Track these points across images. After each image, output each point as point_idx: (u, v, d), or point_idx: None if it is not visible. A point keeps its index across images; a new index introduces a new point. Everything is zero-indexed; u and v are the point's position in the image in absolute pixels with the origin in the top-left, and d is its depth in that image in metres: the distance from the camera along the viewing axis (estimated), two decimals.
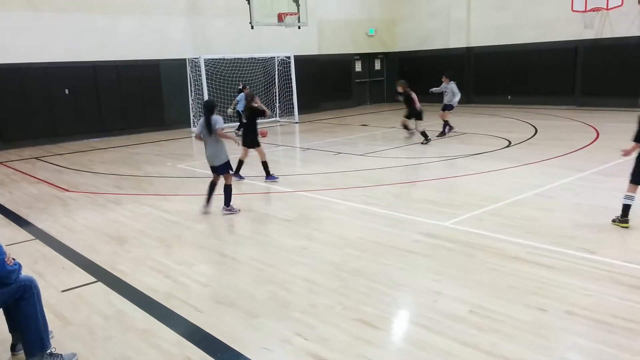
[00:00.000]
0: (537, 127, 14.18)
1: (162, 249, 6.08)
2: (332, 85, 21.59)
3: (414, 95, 12.53)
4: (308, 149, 12.86)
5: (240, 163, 9.20)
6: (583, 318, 4.02)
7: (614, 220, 6.20)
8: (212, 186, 7.37)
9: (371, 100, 23.45)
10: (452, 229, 6.27)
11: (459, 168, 9.61)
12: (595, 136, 12.36)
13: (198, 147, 14.37)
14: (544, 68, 18.39)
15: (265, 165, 9.13)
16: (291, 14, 16.47)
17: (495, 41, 19.96)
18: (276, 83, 18.87)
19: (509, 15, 19.43)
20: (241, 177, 9.27)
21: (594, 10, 16.36)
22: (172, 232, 6.69)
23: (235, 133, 15.34)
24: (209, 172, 7.55)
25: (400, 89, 12.82)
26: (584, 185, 8.08)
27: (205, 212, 7.36)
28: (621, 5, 15.80)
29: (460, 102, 20.93)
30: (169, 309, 4.51)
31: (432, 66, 21.84)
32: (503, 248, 5.55)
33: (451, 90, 13.48)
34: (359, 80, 23.09)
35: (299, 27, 16.85)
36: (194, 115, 17.09)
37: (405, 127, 13.31)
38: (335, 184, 8.80)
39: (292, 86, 18.10)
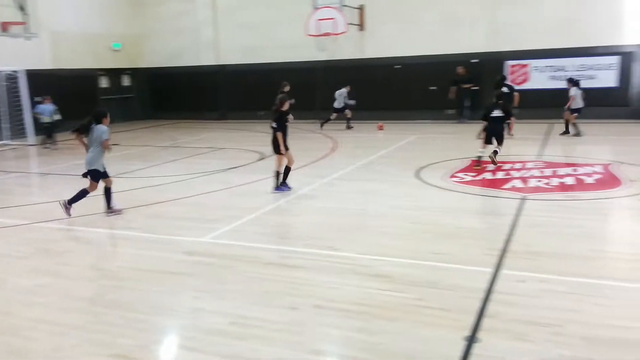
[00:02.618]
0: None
1: None
2: (74, 102, 19.68)
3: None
4: (47, 173, 11.49)
5: (285, 172, 8.78)
6: (330, 309, 4.45)
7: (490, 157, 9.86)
8: (107, 191, 7.68)
9: (122, 118, 22.16)
10: (212, 244, 6.32)
11: (217, 183, 9.75)
12: (333, 145, 13.90)
13: None
14: (290, 85, 19.91)
15: (278, 175, 8.72)
16: (17, 24, 14.55)
17: (245, 60, 20.89)
18: (5, 100, 16.40)
19: (255, 36, 20.55)
20: (289, 188, 8.79)
21: (325, 35, 18.42)
22: None
23: (47, 147, 14.60)
24: None
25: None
26: (327, 190, 9.01)
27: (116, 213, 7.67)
28: (346, 32, 18.18)
29: (214, 118, 21.56)
30: None
31: (184, 82, 21.80)
32: (259, 256, 5.81)
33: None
34: (106, 97, 21.58)
35: (28, 39, 14.98)
36: None
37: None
38: (84, 210, 8.04)
39: (22, 104, 15.94)
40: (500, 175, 9.42)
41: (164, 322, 4.44)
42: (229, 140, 15.76)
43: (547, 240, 5.95)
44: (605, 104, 15.95)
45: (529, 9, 16.54)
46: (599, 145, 12.67)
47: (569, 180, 8.76)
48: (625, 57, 15.78)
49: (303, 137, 16.09)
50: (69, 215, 7.52)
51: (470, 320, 4.13)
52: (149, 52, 22.77)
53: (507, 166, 10.06)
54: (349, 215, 7.40)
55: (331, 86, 19.70)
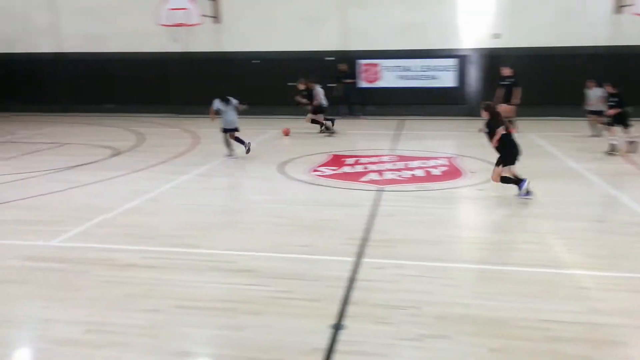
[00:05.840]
0: (144, 135, 14.40)
1: None
2: None
3: (316, 90, 13.87)
4: None
5: None
6: (193, 309, 4.30)
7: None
8: (228, 140, 10.81)
9: None
10: (60, 248, 5.75)
11: (62, 182, 8.87)
12: (193, 141, 13.45)
13: None
14: (137, 78, 18.75)
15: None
16: None
17: (89, 48, 19.24)
18: None
19: (98, 23, 18.99)
20: None
21: (178, 26, 17.62)
22: None
23: None
24: None
25: (302, 87, 14.06)
26: (188, 187, 8.68)
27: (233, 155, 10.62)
28: (200, 23, 17.64)
29: (56, 110, 19.58)
30: None
31: (19, 72, 19.51)
32: (117, 258, 5.42)
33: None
34: None
35: None
36: None
37: (317, 122, 14.15)
38: None
39: None
40: (358, 168, 9.88)
41: (7, 336, 3.93)
42: (74, 135, 14.45)
43: (402, 228, 6.37)
44: (445, 103, 17.57)
45: (377, 12, 17.54)
46: (443, 140, 13.86)
47: (419, 173, 9.48)
48: (461, 59, 17.51)
49: (159, 133, 15.37)
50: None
51: (336, 308, 4.26)
52: None
53: (364, 160, 10.60)
54: (211, 212, 7.21)
55: (188, 79, 19.07)
